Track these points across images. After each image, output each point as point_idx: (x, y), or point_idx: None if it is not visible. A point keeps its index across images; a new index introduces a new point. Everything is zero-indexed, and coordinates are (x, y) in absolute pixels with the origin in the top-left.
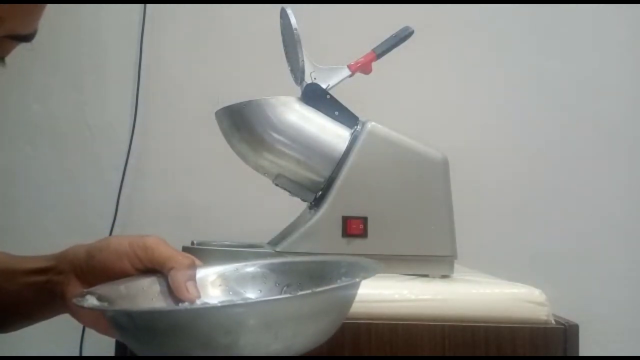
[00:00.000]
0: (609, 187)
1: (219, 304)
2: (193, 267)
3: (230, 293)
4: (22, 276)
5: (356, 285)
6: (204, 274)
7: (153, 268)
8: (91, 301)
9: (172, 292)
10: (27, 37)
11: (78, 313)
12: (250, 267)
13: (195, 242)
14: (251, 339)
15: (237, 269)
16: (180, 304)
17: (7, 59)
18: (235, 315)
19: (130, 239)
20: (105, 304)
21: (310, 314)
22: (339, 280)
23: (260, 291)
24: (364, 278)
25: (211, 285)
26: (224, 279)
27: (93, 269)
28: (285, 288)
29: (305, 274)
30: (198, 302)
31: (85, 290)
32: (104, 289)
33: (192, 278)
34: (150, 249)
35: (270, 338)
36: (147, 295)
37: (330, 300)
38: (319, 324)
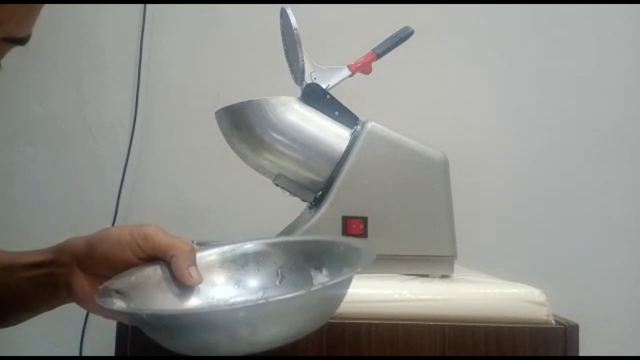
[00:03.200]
0: (609, 187)
1: (243, 304)
2: (193, 252)
3: (230, 274)
4: (22, 271)
5: (352, 277)
6: (204, 255)
7: (155, 256)
8: (119, 304)
9: (175, 278)
10: (22, 41)
11: (84, 301)
12: (247, 245)
13: (195, 242)
14: (268, 329)
15: (233, 250)
16: (204, 303)
17: (4, 60)
18: (256, 312)
19: (130, 229)
20: (131, 305)
21: (318, 303)
22: (342, 270)
23: (257, 271)
24: (363, 269)
25: (211, 267)
26: (223, 260)
27: (95, 260)
28: (279, 269)
29: (300, 253)
30: (201, 286)
31: (102, 287)
32: (118, 282)
33: (193, 263)
34: (151, 238)
35: (285, 327)
36: (154, 283)
37: (334, 290)
38: (323, 309)
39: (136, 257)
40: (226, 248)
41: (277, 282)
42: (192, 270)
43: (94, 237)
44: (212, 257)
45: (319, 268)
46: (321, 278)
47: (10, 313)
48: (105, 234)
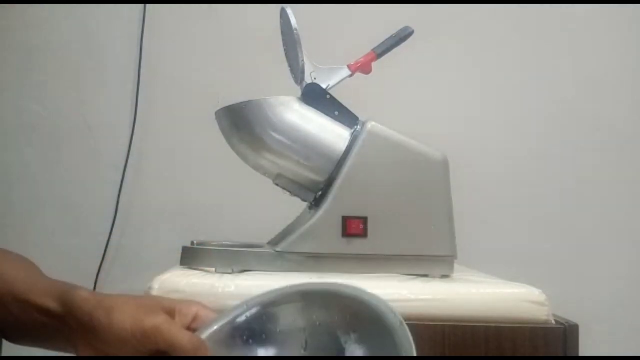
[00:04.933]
0: (609, 187)
1: None
2: (199, 349)
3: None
4: (34, 312)
5: None
6: (213, 335)
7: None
8: None
9: None
10: None
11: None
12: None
13: (195, 242)
14: None
15: (246, 314)
16: None
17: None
18: None
19: (133, 320)
20: None
21: None
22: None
23: (279, 335)
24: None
25: (228, 344)
26: (236, 332)
27: (97, 346)
28: (304, 332)
29: (319, 308)
30: None
31: None
32: None
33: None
34: (149, 338)
35: None
36: None
37: None
38: None
39: (135, 352)
40: (234, 318)
41: (303, 350)
42: None
43: (98, 320)
44: (223, 333)
45: (345, 331)
46: (354, 348)
47: (24, 341)
48: (107, 321)
